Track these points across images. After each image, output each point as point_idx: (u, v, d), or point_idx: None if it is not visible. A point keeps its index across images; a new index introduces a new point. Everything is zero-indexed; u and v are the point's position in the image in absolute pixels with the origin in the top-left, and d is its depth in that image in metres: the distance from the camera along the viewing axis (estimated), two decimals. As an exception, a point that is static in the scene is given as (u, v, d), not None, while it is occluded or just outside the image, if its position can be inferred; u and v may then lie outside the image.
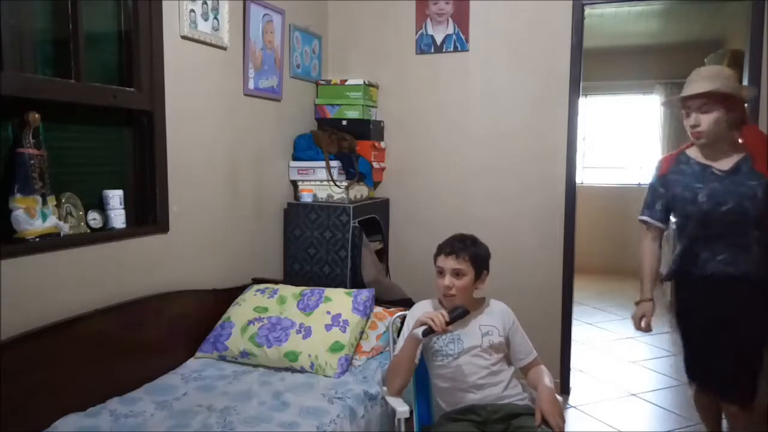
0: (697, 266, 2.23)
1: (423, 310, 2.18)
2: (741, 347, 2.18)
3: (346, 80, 3.50)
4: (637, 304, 2.48)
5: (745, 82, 3.06)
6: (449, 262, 2.08)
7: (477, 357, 2.06)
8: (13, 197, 1.85)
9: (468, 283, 2.08)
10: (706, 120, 2.09)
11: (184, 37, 2.48)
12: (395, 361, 2.09)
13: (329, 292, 2.68)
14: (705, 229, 2.17)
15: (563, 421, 1.93)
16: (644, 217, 2.38)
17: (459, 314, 1.97)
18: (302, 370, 2.39)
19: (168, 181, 2.44)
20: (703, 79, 2.10)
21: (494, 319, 2.13)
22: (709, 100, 2.07)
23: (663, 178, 2.28)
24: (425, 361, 2.15)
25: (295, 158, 3.35)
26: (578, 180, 3.45)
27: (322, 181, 3.27)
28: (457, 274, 2.07)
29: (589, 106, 6.80)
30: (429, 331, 1.94)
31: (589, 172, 6.96)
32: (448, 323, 1.94)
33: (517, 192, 3.41)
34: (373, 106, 3.60)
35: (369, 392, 2.27)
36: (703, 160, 2.18)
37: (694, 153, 2.23)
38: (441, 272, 2.10)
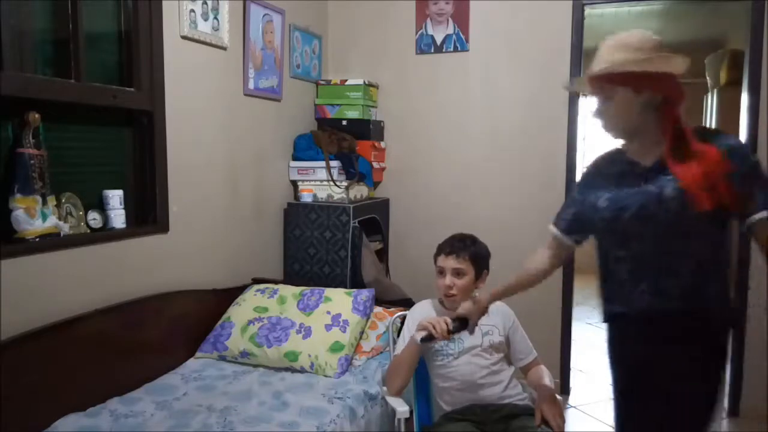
0: (618, 301, 1.67)
1: (423, 310, 2.18)
2: (682, 420, 1.52)
3: (346, 80, 3.50)
4: None
5: (745, 82, 3.06)
6: (450, 262, 2.08)
7: (477, 357, 2.06)
8: (13, 197, 1.85)
9: (468, 283, 2.09)
10: (608, 111, 1.56)
11: (184, 37, 2.48)
12: (395, 361, 2.09)
13: (329, 292, 2.68)
14: (616, 246, 1.63)
15: (563, 421, 1.93)
16: (550, 226, 1.84)
17: (461, 326, 1.93)
18: (302, 370, 2.39)
19: (168, 181, 2.44)
20: (602, 55, 1.55)
21: (494, 318, 2.13)
22: (608, 80, 1.52)
23: (584, 179, 1.74)
24: (425, 360, 2.15)
25: (295, 158, 3.35)
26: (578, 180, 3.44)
27: (322, 181, 3.27)
28: (457, 273, 2.08)
29: (589, 106, 6.79)
30: (429, 338, 1.93)
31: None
32: (450, 332, 1.91)
33: (517, 192, 3.41)
34: (373, 106, 3.60)
35: (369, 392, 2.27)
36: (632, 156, 1.61)
37: (626, 147, 1.66)
38: (441, 272, 2.11)
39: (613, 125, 1.57)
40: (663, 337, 1.53)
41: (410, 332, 2.12)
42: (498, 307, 2.19)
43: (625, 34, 1.53)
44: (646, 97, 1.49)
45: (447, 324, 1.91)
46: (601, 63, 1.53)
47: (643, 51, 1.48)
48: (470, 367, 2.04)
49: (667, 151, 1.49)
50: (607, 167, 1.67)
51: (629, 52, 1.48)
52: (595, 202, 1.61)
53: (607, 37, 1.57)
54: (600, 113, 1.59)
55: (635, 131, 1.56)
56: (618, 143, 1.67)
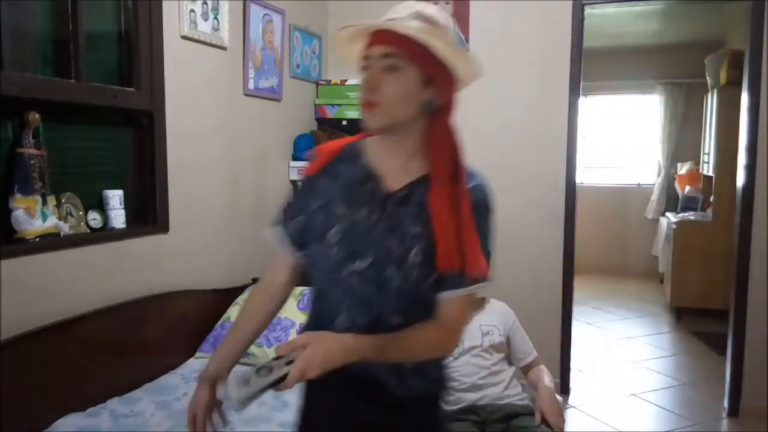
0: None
1: None
2: None
3: (346, 80, 3.49)
4: None
5: (745, 82, 3.06)
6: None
7: (477, 357, 2.06)
8: (13, 197, 1.85)
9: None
10: (389, 83, 1.11)
11: (184, 37, 2.47)
12: None
13: (329, 292, 2.67)
14: (335, 291, 1.18)
15: (563, 420, 1.93)
16: (271, 232, 1.30)
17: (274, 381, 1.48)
18: (302, 370, 2.38)
19: (168, 181, 2.44)
20: (404, 10, 1.16)
21: (494, 318, 2.14)
22: (402, 49, 1.11)
23: (310, 180, 1.25)
24: None
25: (295, 158, 3.35)
26: (578, 180, 3.44)
27: (322, 181, 3.27)
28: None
29: (589, 106, 6.80)
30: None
31: (589, 172, 6.96)
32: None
33: (516, 192, 3.41)
34: (373, 106, 3.60)
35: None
36: (376, 167, 1.20)
37: (372, 148, 1.23)
38: None
39: (389, 107, 1.12)
40: (361, 399, 1.19)
41: None
42: (498, 307, 2.19)
43: (433, 8, 1.16)
44: (430, 94, 1.14)
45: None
46: (403, 19, 1.13)
47: (449, 40, 1.14)
48: (470, 367, 2.04)
49: (436, 183, 1.14)
50: (337, 170, 1.21)
51: (437, 33, 1.12)
52: (322, 229, 1.18)
53: (400, 3, 1.19)
54: (372, 83, 1.12)
55: (401, 131, 1.16)
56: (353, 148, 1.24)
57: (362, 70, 1.16)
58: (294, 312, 2.57)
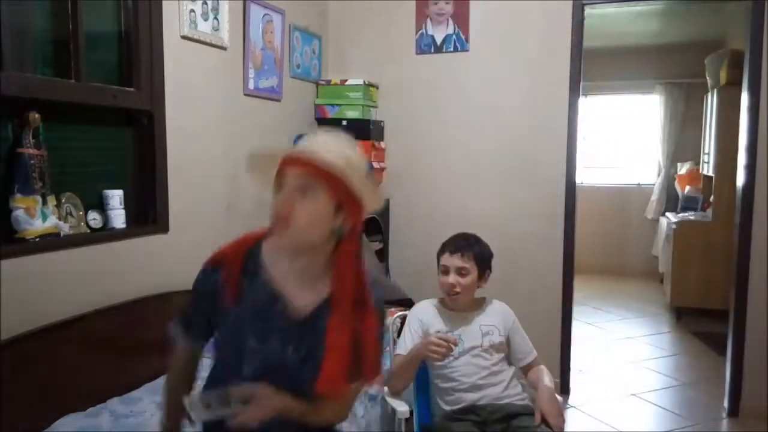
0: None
1: (424, 309, 2.18)
2: None
3: (346, 80, 3.50)
4: None
5: (745, 82, 3.06)
6: (454, 261, 2.09)
7: (477, 357, 2.06)
8: (13, 197, 1.85)
9: (472, 282, 2.09)
10: (303, 206, 1.18)
11: (184, 37, 2.47)
12: (398, 366, 2.08)
13: (329, 292, 2.67)
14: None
15: (563, 420, 1.93)
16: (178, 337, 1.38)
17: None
18: (302, 370, 2.38)
19: (168, 181, 2.43)
20: (318, 143, 1.23)
21: (495, 318, 2.14)
22: (318, 176, 1.17)
23: (214, 291, 1.28)
24: (425, 360, 2.15)
25: (295, 158, 3.35)
26: (578, 180, 3.44)
27: (322, 181, 3.27)
28: (461, 272, 2.08)
29: (589, 106, 6.80)
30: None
31: (589, 172, 6.97)
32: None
33: (516, 192, 3.41)
34: (373, 106, 3.60)
35: (369, 392, 2.27)
36: (280, 283, 1.25)
37: (273, 263, 1.26)
38: (446, 271, 2.11)
39: (301, 229, 1.18)
40: None
41: (411, 332, 2.12)
42: (498, 307, 2.19)
43: (343, 143, 1.24)
44: (339, 220, 1.21)
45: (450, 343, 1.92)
46: (320, 150, 1.19)
47: (360, 170, 1.21)
48: (470, 367, 2.04)
49: (337, 311, 1.20)
50: (250, 288, 1.25)
51: (350, 166, 1.19)
52: (239, 359, 1.24)
53: (318, 136, 1.28)
54: (286, 204, 1.18)
55: (310, 253, 1.23)
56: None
57: (277, 189, 1.21)
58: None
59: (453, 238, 2.17)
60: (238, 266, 1.26)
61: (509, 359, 2.16)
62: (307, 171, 1.17)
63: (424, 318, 2.15)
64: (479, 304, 2.18)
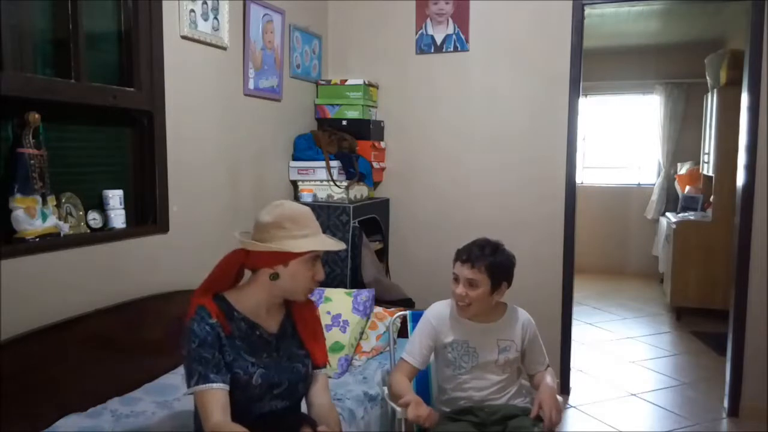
0: None
1: (438, 314, 2.10)
2: None
3: (346, 80, 3.50)
4: None
5: (745, 82, 3.06)
6: (464, 271, 1.96)
7: (489, 373, 2.02)
8: (13, 197, 1.85)
9: (482, 295, 1.96)
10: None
11: (184, 37, 2.47)
12: (399, 386, 2.00)
13: (329, 292, 2.68)
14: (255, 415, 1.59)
15: (558, 414, 1.90)
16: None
17: None
18: (302, 370, 2.38)
19: (168, 181, 2.43)
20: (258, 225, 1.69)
21: (513, 332, 2.05)
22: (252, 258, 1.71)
23: (216, 338, 1.56)
24: (434, 363, 2.13)
25: (295, 158, 3.35)
26: (578, 180, 3.44)
27: (322, 181, 3.27)
28: (470, 284, 1.95)
29: (589, 106, 6.80)
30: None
31: (589, 172, 6.97)
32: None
33: (517, 192, 3.41)
34: (373, 106, 3.60)
35: (369, 393, 2.27)
36: (251, 315, 1.63)
37: (239, 301, 1.66)
38: (456, 279, 1.99)
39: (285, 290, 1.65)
40: None
41: (421, 336, 2.07)
42: (518, 317, 2.09)
43: (278, 208, 1.66)
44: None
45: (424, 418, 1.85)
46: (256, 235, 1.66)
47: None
48: (482, 382, 2.00)
49: (298, 316, 1.73)
50: (234, 327, 1.60)
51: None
52: (248, 377, 1.55)
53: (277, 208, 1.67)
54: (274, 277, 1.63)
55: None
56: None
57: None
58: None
59: (468, 246, 2.01)
60: (215, 307, 1.59)
61: (519, 371, 2.11)
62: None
63: (437, 324, 2.06)
64: (498, 313, 2.07)
